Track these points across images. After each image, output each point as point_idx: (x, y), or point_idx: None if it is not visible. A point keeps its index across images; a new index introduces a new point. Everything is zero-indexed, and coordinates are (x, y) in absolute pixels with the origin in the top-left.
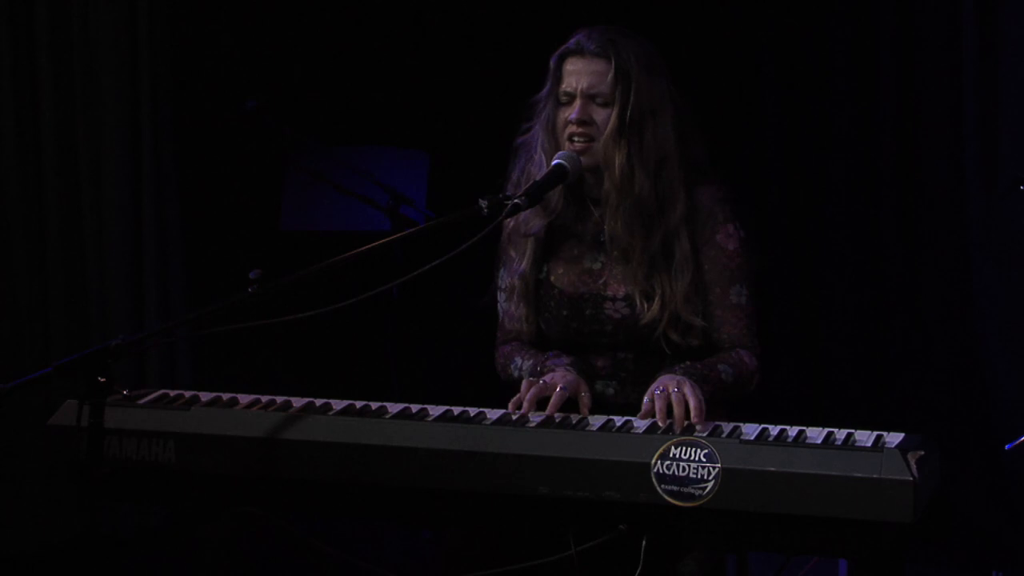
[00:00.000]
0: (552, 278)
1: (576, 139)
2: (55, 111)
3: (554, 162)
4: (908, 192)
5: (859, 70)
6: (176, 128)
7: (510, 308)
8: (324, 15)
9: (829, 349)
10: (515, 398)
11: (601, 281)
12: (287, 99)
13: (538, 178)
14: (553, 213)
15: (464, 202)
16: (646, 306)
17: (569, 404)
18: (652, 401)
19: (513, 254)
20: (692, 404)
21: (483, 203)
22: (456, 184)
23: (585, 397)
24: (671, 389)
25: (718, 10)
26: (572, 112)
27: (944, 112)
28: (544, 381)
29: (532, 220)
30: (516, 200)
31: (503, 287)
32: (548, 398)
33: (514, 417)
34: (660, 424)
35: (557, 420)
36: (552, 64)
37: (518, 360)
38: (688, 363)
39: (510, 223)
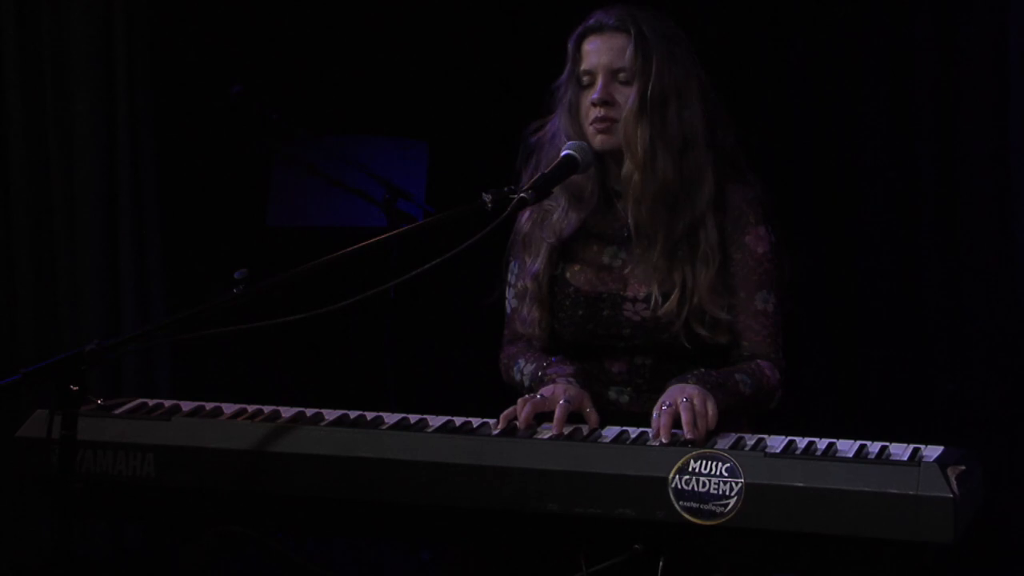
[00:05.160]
0: (568, 276)
1: (599, 121)
2: (22, 97)
3: (563, 152)
4: (949, 190)
5: (894, 59)
6: (155, 116)
7: (520, 309)
8: None
9: (862, 356)
10: (506, 412)
11: (621, 280)
12: (276, 85)
13: (546, 170)
14: (587, 208)
15: (466, 196)
16: (663, 300)
17: (573, 419)
18: (659, 417)
19: (528, 253)
20: (699, 412)
21: (487, 197)
22: (458, 177)
23: (591, 413)
24: (679, 401)
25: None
26: (594, 92)
27: (987, 106)
28: (542, 395)
29: (566, 218)
30: (522, 194)
31: (513, 284)
32: (546, 414)
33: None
34: (664, 440)
35: (567, 432)
36: (571, 46)
37: (521, 362)
38: (702, 370)
39: (526, 220)
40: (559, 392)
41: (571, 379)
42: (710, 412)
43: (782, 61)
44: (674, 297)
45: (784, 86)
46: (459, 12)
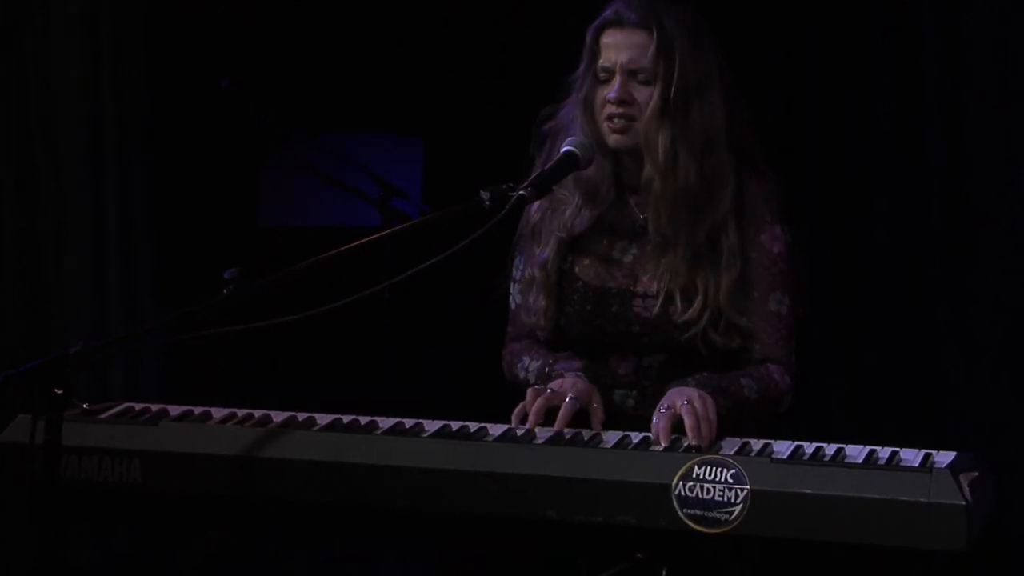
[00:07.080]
0: (577, 269)
1: (616, 119)
2: (9, 97)
3: (563, 149)
4: (957, 187)
5: (901, 55)
6: (143, 112)
7: (527, 299)
8: None
9: (870, 358)
10: (518, 408)
11: (631, 276)
12: (267, 80)
13: (545, 167)
14: (602, 205)
15: (463, 194)
16: (684, 305)
17: (580, 416)
18: (658, 421)
19: (536, 243)
20: (701, 415)
21: (485, 195)
22: (454, 174)
23: (597, 409)
24: (679, 404)
25: None
26: (611, 90)
27: (995, 106)
28: (552, 389)
29: (579, 214)
30: (521, 191)
31: (518, 279)
32: (556, 408)
33: (519, 432)
34: (663, 444)
35: (567, 436)
36: (589, 38)
37: (526, 359)
38: (704, 374)
39: (536, 211)
40: (567, 386)
41: (579, 373)
42: (711, 415)
43: (788, 61)
44: (697, 304)
45: (789, 87)
46: (454, 8)
